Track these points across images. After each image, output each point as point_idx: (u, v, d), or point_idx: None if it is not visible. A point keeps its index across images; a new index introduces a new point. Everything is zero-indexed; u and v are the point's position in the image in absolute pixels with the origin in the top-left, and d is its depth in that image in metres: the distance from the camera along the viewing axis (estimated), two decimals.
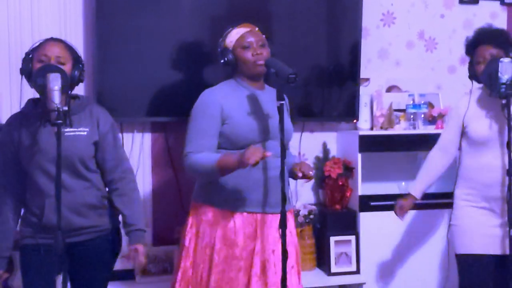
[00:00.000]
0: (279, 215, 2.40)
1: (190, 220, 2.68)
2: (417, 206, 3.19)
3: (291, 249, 2.58)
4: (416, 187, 3.01)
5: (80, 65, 2.42)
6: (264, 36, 2.66)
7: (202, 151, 2.53)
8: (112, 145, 2.51)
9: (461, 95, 2.99)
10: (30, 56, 2.36)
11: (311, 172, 2.52)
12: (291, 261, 2.57)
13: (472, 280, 2.87)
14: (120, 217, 2.59)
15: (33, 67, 2.33)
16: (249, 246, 2.57)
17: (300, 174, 2.51)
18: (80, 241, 2.41)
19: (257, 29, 2.66)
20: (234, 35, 2.62)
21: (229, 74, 2.70)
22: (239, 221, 2.57)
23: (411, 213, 3.43)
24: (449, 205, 3.00)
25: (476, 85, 2.92)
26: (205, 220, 2.60)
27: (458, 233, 2.90)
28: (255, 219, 2.58)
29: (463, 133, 2.89)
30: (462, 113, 2.87)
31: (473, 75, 2.89)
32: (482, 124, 2.82)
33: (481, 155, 2.82)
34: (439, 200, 3.31)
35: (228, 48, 2.62)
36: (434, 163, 2.98)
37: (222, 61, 2.64)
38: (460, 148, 2.94)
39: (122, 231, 2.60)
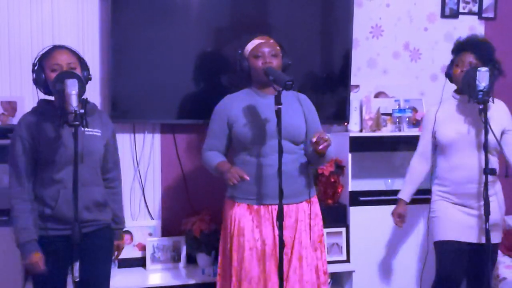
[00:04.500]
0: (294, 205, 2.60)
1: (224, 215, 2.75)
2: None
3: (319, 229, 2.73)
4: (405, 193, 3.03)
5: (86, 66, 2.39)
6: (278, 47, 2.68)
7: (212, 150, 2.73)
8: (114, 148, 2.55)
9: (432, 105, 3.00)
10: (38, 66, 2.31)
11: (326, 136, 2.45)
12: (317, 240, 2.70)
13: (448, 265, 2.87)
14: None
15: (47, 76, 2.29)
16: (269, 235, 2.60)
17: (314, 139, 2.43)
18: (85, 232, 2.35)
19: (272, 41, 2.69)
20: (250, 45, 2.67)
21: (247, 81, 2.76)
22: (255, 213, 2.62)
23: None
24: (428, 201, 3.01)
25: (448, 88, 2.91)
26: (231, 214, 2.66)
27: (435, 223, 2.91)
28: (271, 210, 2.61)
29: (434, 138, 2.90)
30: (432, 120, 2.90)
31: (448, 74, 2.91)
32: (449, 128, 2.83)
33: (451, 156, 2.84)
34: (420, 196, 3.30)
35: (244, 56, 2.66)
36: (416, 170, 3.00)
37: (238, 68, 2.71)
38: (435, 151, 2.96)
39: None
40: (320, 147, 2.44)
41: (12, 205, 2.33)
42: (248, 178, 2.47)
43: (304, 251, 2.62)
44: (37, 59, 2.34)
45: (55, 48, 2.36)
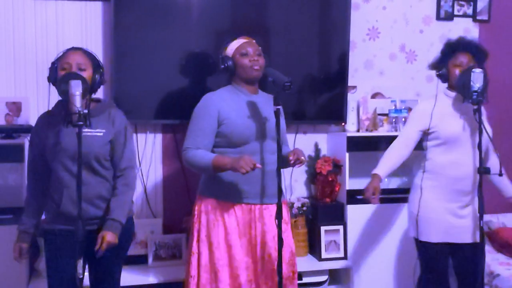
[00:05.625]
0: (275, 205, 2.44)
1: (196, 211, 2.67)
2: (394, 200, 3.20)
3: (288, 234, 2.64)
4: (382, 169, 2.87)
5: (100, 70, 2.40)
6: (260, 47, 2.68)
7: (199, 148, 2.55)
8: (122, 143, 2.46)
9: (425, 99, 2.96)
10: (55, 65, 2.35)
11: (302, 157, 2.48)
12: (288, 242, 2.62)
13: (435, 264, 2.88)
14: (133, 207, 2.60)
15: (58, 75, 2.32)
16: (248, 233, 2.58)
17: (291, 157, 2.47)
18: (96, 229, 2.39)
19: (254, 41, 2.68)
20: (234, 45, 2.65)
21: (228, 80, 2.72)
22: (239, 211, 2.56)
23: (392, 206, 3.43)
24: None
25: (441, 87, 2.90)
26: (209, 211, 2.61)
27: (422, 222, 2.85)
28: (254, 209, 2.58)
29: (429, 134, 2.85)
30: (428, 115, 2.82)
31: (443, 75, 2.86)
32: (452, 125, 2.80)
33: (451, 152, 2.81)
34: None
35: (228, 55, 2.64)
36: (396, 153, 2.88)
37: (222, 66, 2.67)
38: (426, 147, 2.89)
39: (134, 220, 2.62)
40: (296, 166, 2.52)
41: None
42: (260, 166, 2.40)
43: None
44: (55, 59, 2.37)
45: (71, 49, 2.39)
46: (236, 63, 2.63)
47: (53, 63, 2.37)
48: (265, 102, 2.64)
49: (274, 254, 2.55)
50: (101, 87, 3.27)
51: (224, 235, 2.56)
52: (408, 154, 2.90)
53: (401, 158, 2.90)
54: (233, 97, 2.63)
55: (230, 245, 2.56)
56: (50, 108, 2.45)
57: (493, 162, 2.91)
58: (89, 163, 2.37)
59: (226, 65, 2.64)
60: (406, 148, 2.90)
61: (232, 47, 2.65)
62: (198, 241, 2.62)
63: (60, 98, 2.37)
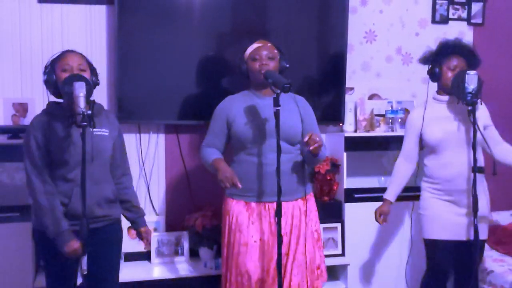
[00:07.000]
0: (289, 202, 2.61)
1: (223, 211, 2.75)
2: None
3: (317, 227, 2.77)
4: (390, 193, 2.98)
5: (95, 71, 2.42)
6: (275, 51, 2.69)
7: (210, 146, 2.72)
8: (121, 145, 2.54)
9: (416, 107, 3.00)
10: (49, 68, 2.33)
11: (317, 138, 2.45)
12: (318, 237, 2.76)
13: (438, 262, 2.90)
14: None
15: (57, 77, 2.30)
16: (266, 231, 2.61)
17: (306, 138, 2.44)
18: (96, 227, 2.37)
19: (269, 44, 2.70)
20: (249, 49, 2.70)
21: (246, 84, 2.77)
22: (255, 210, 2.62)
23: None
24: (415, 198, 3.03)
25: (430, 93, 2.92)
26: (229, 210, 2.67)
27: (426, 221, 2.91)
28: (267, 207, 2.62)
29: (421, 140, 2.91)
30: (419, 124, 2.88)
31: (436, 74, 2.87)
32: (436, 129, 2.83)
33: (441, 155, 2.84)
34: (411, 193, 3.31)
35: (243, 59, 2.69)
36: (401, 171, 2.97)
37: (238, 70, 2.73)
38: (422, 151, 2.96)
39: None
40: (311, 148, 2.45)
41: (37, 201, 2.28)
42: (240, 186, 2.47)
43: (299, 247, 2.64)
44: (49, 61, 2.36)
45: (67, 51, 2.39)
46: (247, 67, 2.68)
47: (46, 67, 2.35)
48: (281, 102, 2.56)
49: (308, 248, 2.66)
50: (105, 88, 3.32)
51: (243, 232, 2.60)
52: (414, 167, 2.96)
53: (407, 174, 2.96)
54: (245, 101, 2.69)
55: (250, 242, 2.60)
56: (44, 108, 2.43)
57: (506, 146, 2.89)
58: (105, 160, 2.40)
59: (240, 69, 2.71)
60: (410, 163, 2.95)
61: (247, 52, 2.70)
62: (224, 238, 2.70)
63: (52, 98, 2.38)
